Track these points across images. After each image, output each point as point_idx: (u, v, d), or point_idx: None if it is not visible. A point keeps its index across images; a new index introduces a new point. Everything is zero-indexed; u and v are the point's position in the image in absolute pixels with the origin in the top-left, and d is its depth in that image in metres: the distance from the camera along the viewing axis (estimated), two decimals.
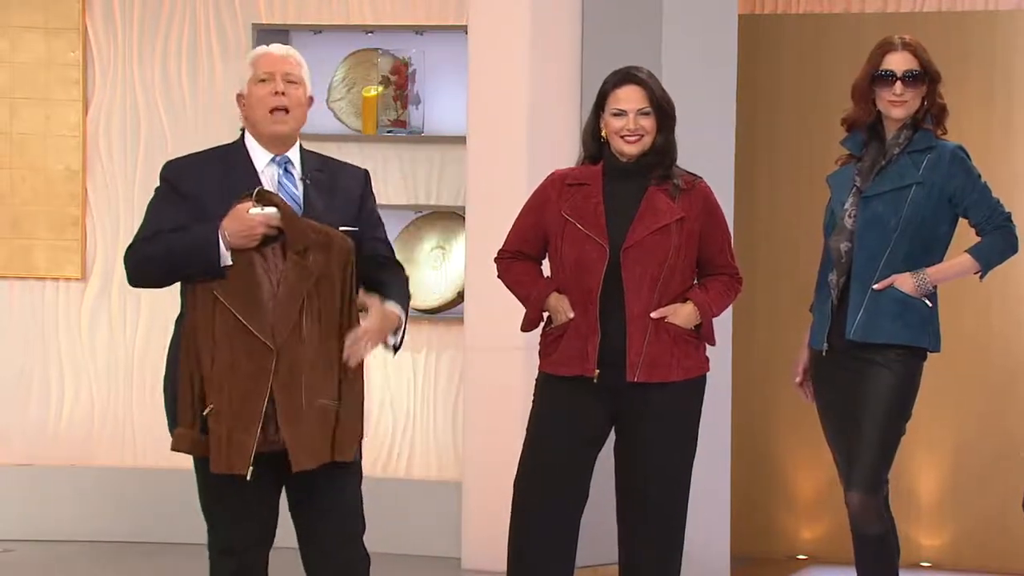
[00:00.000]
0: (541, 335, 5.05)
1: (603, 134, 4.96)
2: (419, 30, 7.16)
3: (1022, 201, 6.50)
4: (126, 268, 4.49)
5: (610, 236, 4.88)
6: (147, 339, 7.31)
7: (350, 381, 4.39)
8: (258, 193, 4.32)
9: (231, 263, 4.30)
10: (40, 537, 7.19)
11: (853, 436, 5.11)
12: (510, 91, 6.61)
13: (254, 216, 4.29)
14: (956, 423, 7.31)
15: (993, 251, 5.14)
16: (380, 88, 7.15)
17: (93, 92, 7.36)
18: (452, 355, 7.15)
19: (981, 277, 5.22)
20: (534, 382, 5.07)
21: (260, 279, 4.30)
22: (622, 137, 4.92)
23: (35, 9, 7.31)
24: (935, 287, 5.12)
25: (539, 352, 5.04)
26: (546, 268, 5.09)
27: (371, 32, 7.21)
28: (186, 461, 4.44)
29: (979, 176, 5.15)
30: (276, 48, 4.52)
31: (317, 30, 7.22)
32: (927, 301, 5.11)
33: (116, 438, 7.36)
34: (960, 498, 7.35)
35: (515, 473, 5.00)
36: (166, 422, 4.46)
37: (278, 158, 4.49)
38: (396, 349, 4.50)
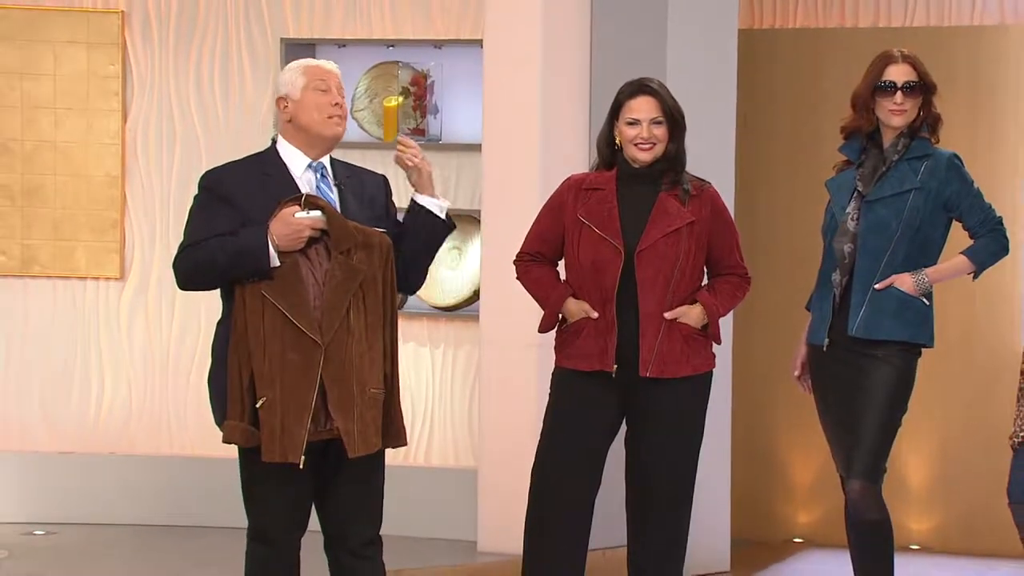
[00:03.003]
0: (557, 332, 5.02)
1: (617, 142, 4.92)
2: (437, 44, 7.12)
3: (1007, 208, 6.45)
4: (176, 274, 4.43)
5: (624, 239, 4.84)
6: (181, 335, 7.28)
7: (390, 371, 4.39)
8: (306, 198, 4.29)
9: (278, 264, 4.27)
10: (82, 520, 7.15)
11: (853, 427, 5.06)
12: (523, 101, 6.57)
13: (301, 220, 4.28)
14: (944, 414, 7.28)
15: (986, 253, 5.13)
16: (400, 98, 7.10)
17: (131, 102, 7.32)
18: (468, 350, 7.11)
19: (975, 277, 5.21)
20: (549, 376, 5.03)
21: (305, 278, 4.28)
22: (636, 145, 4.88)
23: (77, 25, 7.28)
24: (932, 286, 5.08)
25: (555, 348, 5.01)
26: (560, 268, 5.04)
27: (392, 46, 7.17)
28: (218, 450, 4.38)
29: (973, 182, 5.14)
30: (325, 62, 4.54)
31: (342, 44, 7.18)
32: (925, 300, 5.08)
33: (153, 427, 7.32)
34: (948, 485, 7.32)
35: (533, 461, 4.99)
36: (201, 414, 4.41)
37: (314, 164, 4.47)
38: (449, 226, 4.63)
